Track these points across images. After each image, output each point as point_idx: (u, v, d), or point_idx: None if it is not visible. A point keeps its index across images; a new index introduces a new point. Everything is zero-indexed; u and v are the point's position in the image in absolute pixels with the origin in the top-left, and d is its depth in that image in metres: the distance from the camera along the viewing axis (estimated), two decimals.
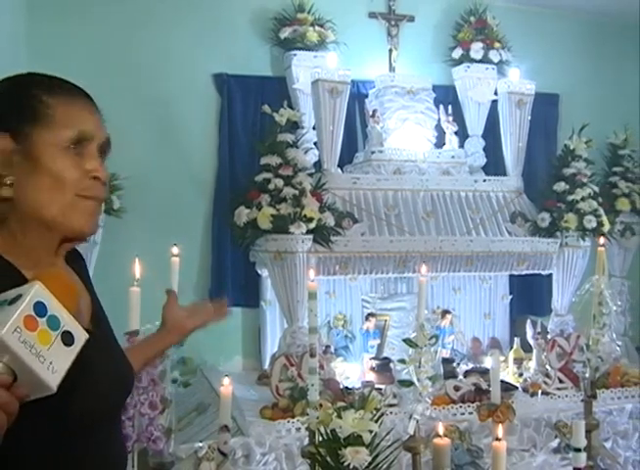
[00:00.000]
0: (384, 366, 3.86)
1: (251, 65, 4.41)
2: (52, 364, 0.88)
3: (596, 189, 4.37)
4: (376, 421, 1.59)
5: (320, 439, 1.62)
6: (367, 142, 4.46)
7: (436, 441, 2.20)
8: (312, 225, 3.65)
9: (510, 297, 4.69)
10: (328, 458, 1.58)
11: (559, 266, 4.34)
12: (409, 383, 2.44)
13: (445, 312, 4.31)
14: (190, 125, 4.30)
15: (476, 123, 4.62)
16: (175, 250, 2.37)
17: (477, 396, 3.55)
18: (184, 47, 4.23)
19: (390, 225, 4.04)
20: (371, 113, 4.35)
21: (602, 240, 3.20)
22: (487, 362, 3.94)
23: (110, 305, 1.31)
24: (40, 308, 0.88)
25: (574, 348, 4.00)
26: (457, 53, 4.65)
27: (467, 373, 3.87)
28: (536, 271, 4.36)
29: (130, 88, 4.07)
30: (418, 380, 2.39)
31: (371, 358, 3.96)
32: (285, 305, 3.76)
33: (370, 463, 1.55)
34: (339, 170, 4.17)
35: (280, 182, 3.66)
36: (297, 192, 3.65)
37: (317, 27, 4.32)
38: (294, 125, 3.98)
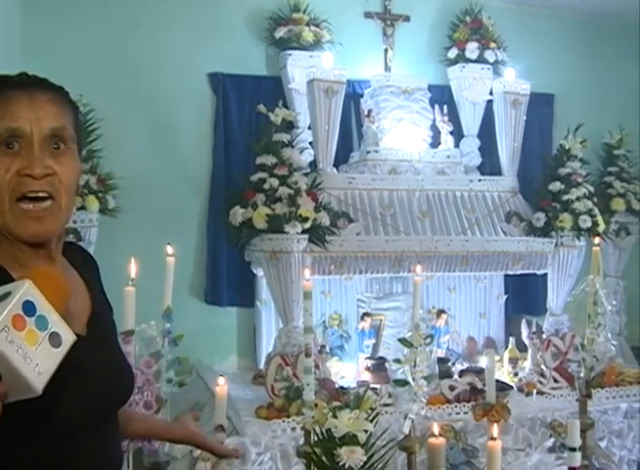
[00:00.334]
0: (379, 366, 3.86)
1: (247, 64, 4.40)
2: (38, 366, 0.85)
3: (591, 189, 4.38)
4: (371, 421, 1.59)
5: (315, 438, 1.61)
6: (362, 142, 4.46)
7: (432, 440, 2.19)
8: (307, 225, 3.65)
9: (505, 296, 4.69)
10: (323, 458, 1.58)
11: (554, 266, 4.34)
12: (404, 382, 2.45)
13: (441, 312, 4.31)
14: (185, 125, 4.29)
15: (471, 123, 4.63)
16: (170, 249, 2.37)
17: (472, 395, 3.56)
18: (179, 46, 4.22)
19: (386, 225, 4.04)
20: (366, 112, 4.35)
21: (597, 240, 3.21)
22: (483, 362, 3.95)
23: None
24: (29, 308, 0.86)
25: (569, 347, 4.01)
26: (452, 53, 4.65)
27: (462, 373, 3.88)
28: (531, 271, 4.37)
29: (125, 87, 4.06)
30: (413, 379, 2.40)
31: (366, 358, 3.96)
32: (280, 305, 3.76)
33: (365, 463, 1.54)
34: (334, 170, 4.17)
35: (275, 182, 3.66)
36: (292, 192, 3.65)
37: (313, 27, 4.31)
38: (289, 125, 3.99)
